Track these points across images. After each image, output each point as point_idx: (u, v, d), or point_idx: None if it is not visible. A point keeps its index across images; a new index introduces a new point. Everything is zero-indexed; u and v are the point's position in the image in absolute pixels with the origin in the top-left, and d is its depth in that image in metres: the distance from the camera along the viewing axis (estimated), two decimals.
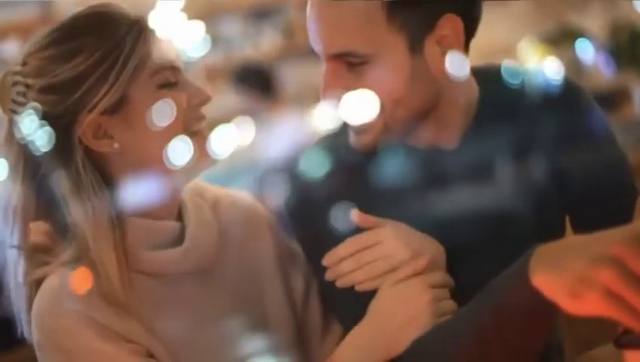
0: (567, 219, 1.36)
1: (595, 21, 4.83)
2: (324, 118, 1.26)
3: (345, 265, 1.24)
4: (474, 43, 1.25)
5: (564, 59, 4.32)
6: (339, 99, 1.21)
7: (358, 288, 1.23)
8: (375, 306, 1.21)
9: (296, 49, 5.11)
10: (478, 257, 1.25)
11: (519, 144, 1.28)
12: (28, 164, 1.20)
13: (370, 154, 1.27)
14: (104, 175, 1.20)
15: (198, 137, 1.22)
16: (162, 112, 1.20)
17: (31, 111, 1.18)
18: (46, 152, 1.19)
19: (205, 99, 1.24)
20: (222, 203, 1.34)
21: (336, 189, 1.27)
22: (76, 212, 1.17)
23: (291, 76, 5.16)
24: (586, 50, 4.48)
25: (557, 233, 1.34)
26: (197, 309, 1.24)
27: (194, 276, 1.25)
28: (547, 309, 0.95)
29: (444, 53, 1.21)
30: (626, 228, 0.93)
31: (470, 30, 1.23)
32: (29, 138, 1.18)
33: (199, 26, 1.03)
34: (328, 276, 1.25)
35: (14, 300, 1.22)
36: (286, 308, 1.32)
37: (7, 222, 1.22)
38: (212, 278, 1.26)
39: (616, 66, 4.54)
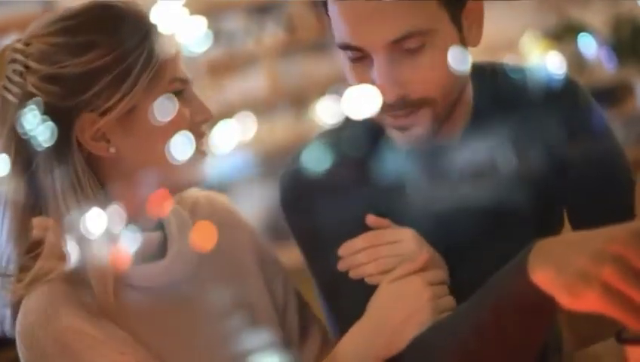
0: (565, 214, 1.35)
1: (597, 16, 4.82)
2: (327, 112, 1.25)
3: (360, 256, 1.23)
4: None
5: (567, 54, 4.31)
6: (396, 100, 1.16)
7: (368, 280, 1.22)
8: (374, 303, 1.21)
9: (299, 44, 5.10)
10: (477, 253, 1.25)
11: (518, 140, 1.27)
12: (18, 151, 1.15)
13: (372, 149, 1.26)
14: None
15: (198, 154, 1.19)
16: (167, 124, 1.16)
17: (33, 106, 1.15)
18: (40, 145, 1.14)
19: (208, 117, 1.21)
20: (200, 205, 1.33)
21: (340, 183, 1.26)
22: (72, 216, 1.12)
23: (293, 71, 5.15)
24: (589, 45, 4.47)
25: (555, 228, 1.33)
26: (184, 316, 1.22)
27: (178, 284, 1.22)
28: (546, 305, 0.94)
29: (470, 29, 1.20)
30: (626, 225, 0.93)
31: None
32: (31, 132, 1.15)
33: (201, 22, 1.03)
34: (341, 266, 1.24)
35: None
36: (271, 309, 1.32)
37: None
38: (196, 284, 1.24)
39: (618, 61, 4.54)
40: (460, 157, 1.26)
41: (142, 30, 1.15)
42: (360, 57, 1.17)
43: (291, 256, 1.46)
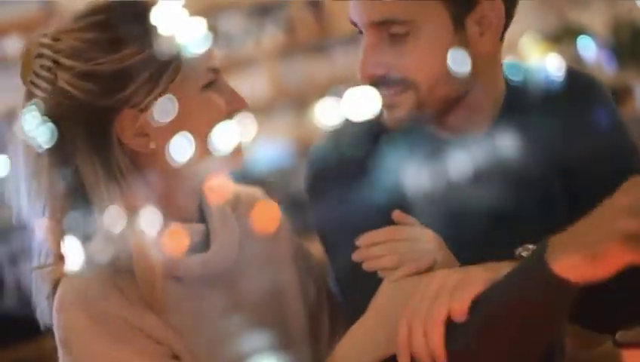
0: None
1: (596, 18, 4.83)
2: (327, 113, 1.25)
3: (377, 249, 1.23)
4: None
5: (566, 57, 4.32)
6: (376, 78, 1.19)
7: (380, 274, 1.22)
8: (375, 302, 1.21)
9: (298, 45, 5.11)
10: (490, 251, 1.25)
11: (544, 138, 1.28)
12: (54, 149, 1.14)
13: (380, 146, 1.26)
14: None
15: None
16: (204, 114, 1.17)
17: (33, 107, 1.14)
18: (78, 142, 1.13)
19: (242, 105, 1.21)
20: (241, 199, 1.33)
21: (358, 178, 1.26)
22: (116, 208, 1.12)
23: (293, 73, 5.15)
24: (588, 48, 4.48)
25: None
26: (219, 307, 1.22)
27: (216, 277, 1.22)
28: (567, 296, 0.98)
29: (482, 35, 1.21)
30: (622, 193, 0.98)
31: (509, 14, 1.23)
32: (30, 134, 1.14)
33: (201, 23, 1.03)
34: (356, 256, 1.23)
35: (34, 291, 1.18)
36: (300, 302, 1.32)
37: (34, 209, 1.16)
38: (233, 278, 1.25)
39: (617, 63, 4.54)
40: (476, 155, 1.26)
41: None
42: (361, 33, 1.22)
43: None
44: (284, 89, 5.13)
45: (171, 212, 1.18)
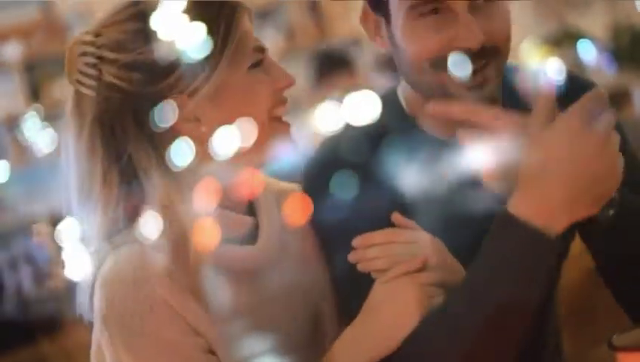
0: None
1: (596, 22, 4.84)
2: (328, 118, 1.25)
3: (372, 250, 1.23)
4: None
5: (566, 61, 4.32)
6: (479, 42, 1.18)
7: (374, 276, 1.22)
8: (367, 303, 1.21)
9: (298, 50, 5.11)
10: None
11: None
12: (106, 144, 1.15)
13: (380, 145, 1.26)
14: None
15: (281, 123, 1.20)
16: (252, 95, 1.16)
17: (34, 113, 1.14)
18: (129, 132, 1.13)
19: (291, 82, 1.21)
20: (286, 196, 1.31)
21: (358, 180, 1.26)
22: (172, 196, 1.12)
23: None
24: (588, 52, 4.48)
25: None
26: (258, 306, 1.21)
27: (260, 269, 1.22)
28: (542, 253, 1.03)
29: None
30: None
31: None
32: (31, 139, 1.14)
33: (201, 28, 1.03)
34: (352, 257, 1.24)
35: (74, 274, 1.17)
36: (328, 303, 1.31)
37: (85, 204, 1.16)
38: (274, 270, 1.24)
39: (617, 67, 4.55)
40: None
41: (215, 4, 1.15)
42: (432, 10, 1.19)
43: None
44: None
45: (222, 201, 1.17)
